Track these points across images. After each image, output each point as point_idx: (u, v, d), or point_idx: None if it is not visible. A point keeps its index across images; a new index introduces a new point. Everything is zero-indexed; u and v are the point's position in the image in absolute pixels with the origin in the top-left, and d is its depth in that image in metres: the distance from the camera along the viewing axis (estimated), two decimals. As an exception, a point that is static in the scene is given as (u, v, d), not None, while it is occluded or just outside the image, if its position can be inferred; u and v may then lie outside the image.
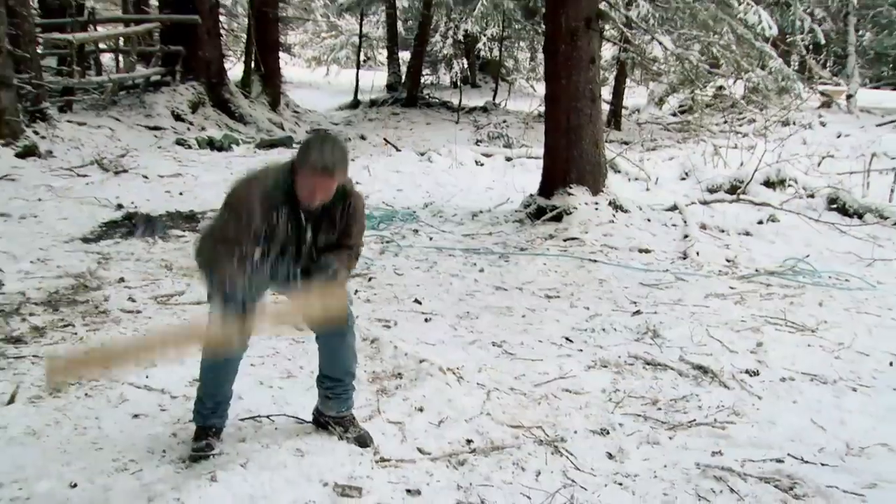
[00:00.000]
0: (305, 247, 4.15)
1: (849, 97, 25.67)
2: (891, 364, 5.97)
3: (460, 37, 28.00)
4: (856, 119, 23.10)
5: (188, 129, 14.35)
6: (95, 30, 16.36)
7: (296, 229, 4.08)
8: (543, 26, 12.32)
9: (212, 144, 13.69)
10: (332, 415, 4.50)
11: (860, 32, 27.56)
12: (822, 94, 24.25)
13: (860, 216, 10.44)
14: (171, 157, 12.58)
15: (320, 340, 4.43)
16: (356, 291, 7.06)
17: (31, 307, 6.33)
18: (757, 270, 8.24)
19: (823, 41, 27.18)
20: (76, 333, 5.83)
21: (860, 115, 24.17)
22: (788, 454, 4.44)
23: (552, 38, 10.04)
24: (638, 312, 6.83)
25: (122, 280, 7.05)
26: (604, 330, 6.40)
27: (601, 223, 9.50)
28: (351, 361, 4.50)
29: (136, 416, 4.65)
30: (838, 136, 18.89)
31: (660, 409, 5.04)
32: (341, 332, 4.34)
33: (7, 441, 4.30)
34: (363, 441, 4.44)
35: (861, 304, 7.35)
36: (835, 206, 10.72)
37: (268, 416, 4.65)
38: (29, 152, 11.28)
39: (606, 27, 13.60)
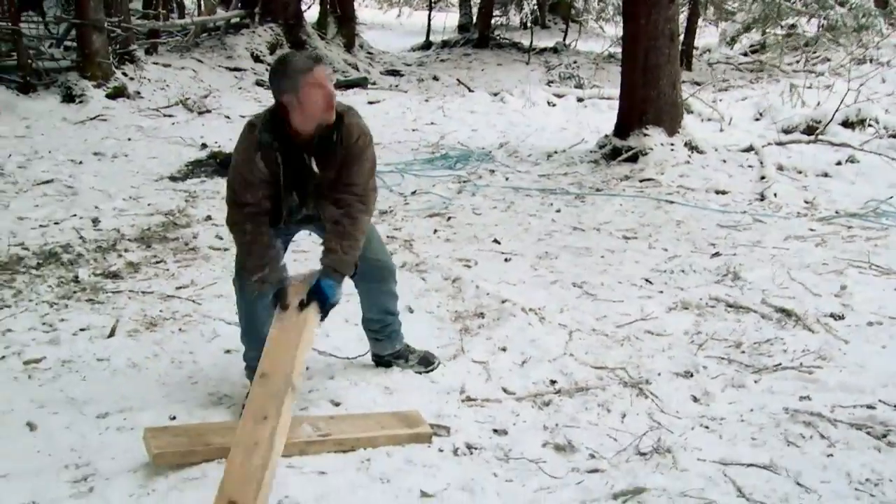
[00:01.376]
0: (311, 185, 3.94)
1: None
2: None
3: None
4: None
5: (267, 69, 14.32)
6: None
7: (304, 172, 3.88)
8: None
9: (290, 83, 13.65)
10: (388, 353, 4.49)
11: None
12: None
13: (946, 155, 10.14)
14: (252, 97, 12.60)
15: (360, 287, 4.30)
16: (435, 231, 6.99)
17: (125, 243, 6.50)
18: (837, 212, 7.98)
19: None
20: (168, 269, 5.91)
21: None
22: (880, 400, 4.25)
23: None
24: (717, 254, 6.66)
25: (209, 218, 7.11)
26: (683, 272, 6.25)
27: (677, 164, 9.32)
28: (391, 303, 4.43)
29: (227, 351, 4.70)
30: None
31: (744, 352, 4.89)
32: (380, 277, 4.25)
33: (111, 372, 4.42)
34: (427, 361, 4.49)
35: (948, 246, 7.11)
36: (918, 145, 10.41)
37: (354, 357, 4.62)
38: (119, 93, 11.37)
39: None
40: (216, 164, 8.86)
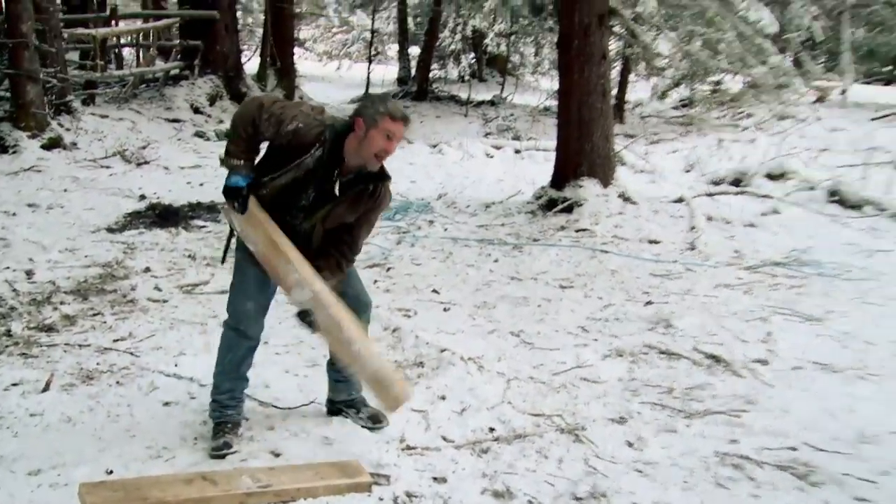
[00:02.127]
0: (323, 211, 3.95)
1: (843, 92, 25.56)
2: (893, 353, 5.91)
3: (468, 32, 27.93)
4: (849, 114, 23.01)
5: (206, 121, 14.27)
6: (117, 25, 16.29)
7: (324, 189, 3.89)
8: (550, 22, 12.27)
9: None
10: (343, 398, 4.48)
11: (853, 30, 27.38)
12: (818, 89, 24.12)
13: (859, 208, 10.39)
14: (191, 148, 12.52)
15: None
16: (375, 282, 7.00)
17: (61, 296, 6.28)
18: (763, 261, 8.17)
19: (818, 38, 27.13)
20: (105, 322, 5.78)
21: (854, 109, 24.09)
22: (803, 442, 4.37)
23: (566, 34, 9.95)
24: (650, 303, 6.77)
25: (147, 270, 6.98)
26: (617, 320, 6.34)
27: (611, 214, 9.44)
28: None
29: (166, 403, 4.61)
30: (833, 131, 18.82)
31: (676, 397, 4.97)
32: (359, 314, 4.19)
33: (44, 428, 4.25)
34: (376, 419, 4.42)
35: (865, 294, 7.26)
36: (835, 198, 10.65)
37: (296, 406, 4.59)
38: (54, 144, 11.16)
39: (615, 23, 13.51)
40: (155, 215, 8.77)
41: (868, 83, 33.38)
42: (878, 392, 5.18)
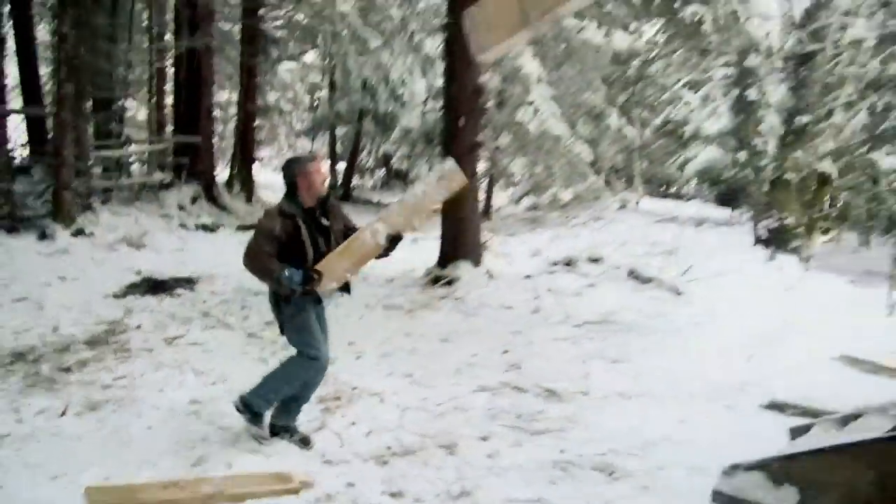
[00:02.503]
0: (332, 236, 4.18)
1: (636, 203, 26.39)
2: (668, 384, 6.00)
3: (380, 154, 28.14)
4: (641, 217, 23.71)
5: (188, 216, 13.97)
6: (129, 148, 16.05)
7: (319, 227, 4.14)
8: (440, 148, 12.37)
9: (205, 227, 13.39)
10: (283, 424, 4.37)
11: (641, 161, 28.47)
12: (620, 200, 24.85)
13: (648, 283, 10.55)
14: (176, 237, 12.15)
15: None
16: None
17: (77, 346, 6.10)
18: (584, 321, 8.23)
19: (620, 166, 28.13)
20: (108, 365, 5.56)
21: (644, 215, 24.84)
22: (609, 449, 4.42)
23: (447, 157, 10.02)
24: (506, 352, 6.74)
25: (139, 326, 6.71)
26: (482, 364, 6.30)
27: (480, 287, 9.41)
28: (283, 385, 4.27)
29: (149, 427, 4.48)
30: (631, 229, 19.26)
31: (522, 420, 4.97)
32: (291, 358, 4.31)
33: (62, 443, 4.19)
34: (306, 441, 4.32)
35: (650, 344, 7.35)
36: (632, 275, 10.76)
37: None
38: (80, 232, 10.80)
39: (482, 151, 13.73)
40: (148, 286, 8.46)
41: (652, 197, 34.56)
42: (658, 411, 5.25)
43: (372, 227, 4.14)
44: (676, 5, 10.35)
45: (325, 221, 4.19)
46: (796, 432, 4.35)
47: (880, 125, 17.20)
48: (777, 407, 5.59)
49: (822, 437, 4.00)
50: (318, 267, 3.99)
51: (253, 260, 4.00)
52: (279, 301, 4.21)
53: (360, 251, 4.15)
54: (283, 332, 4.35)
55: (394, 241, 4.16)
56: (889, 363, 7.27)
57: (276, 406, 4.32)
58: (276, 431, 4.37)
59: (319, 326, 4.31)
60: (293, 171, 4.13)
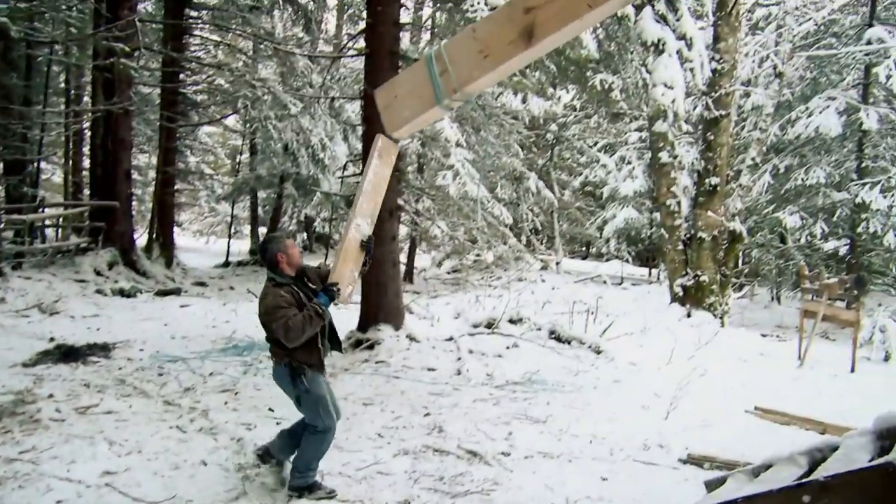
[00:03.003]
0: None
1: (557, 264, 26.91)
2: (590, 442, 6.08)
3: (302, 217, 28.01)
4: (562, 278, 24.16)
5: (105, 281, 13.54)
6: (43, 211, 15.57)
7: (307, 289, 4.53)
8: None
9: (122, 293, 13.01)
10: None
11: (561, 223, 29.14)
12: (541, 261, 25.30)
13: (569, 342, 10.69)
14: (92, 302, 11.76)
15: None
16: (225, 403, 6.66)
17: (-19, 417, 5.70)
18: (507, 381, 8.29)
19: (540, 228, 28.72)
20: (14, 437, 5.26)
21: (565, 275, 25.32)
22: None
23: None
24: (428, 414, 6.71)
25: (51, 396, 6.39)
26: (405, 427, 6.24)
27: (401, 350, 9.37)
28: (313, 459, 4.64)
29: (59, 501, 4.25)
30: (553, 289, 19.63)
31: (445, 483, 4.92)
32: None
33: None
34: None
35: (572, 402, 7.48)
36: (553, 335, 10.90)
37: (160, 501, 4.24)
38: (-14, 299, 10.39)
39: (402, 215, 13.84)
40: (60, 353, 8.11)
41: (573, 258, 35.32)
42: (580, 470, 5.31)
43: (353, 224, 4.35)
44: (588, 73, 10.82)
45: (310, 284, 4.59)
46: (711, 485, 4.45)
47: (784, 186, 18.20)
48: (694, 461, 5.72)
49: (735, 488, 4.11)
50: (332, 279, 4.35)
51: (299, 329, 4.27)
52: (294, 378, 4.48)
53: (354, 251, 4.41)
54: (299, 406, 4.61)
55: (369, 240, 4.43)
56: (800, 414, 7.56)
57: (279, 443, 4.81)
58: (265, 459, 4.84)
59: (330, 390, 4.72)
60: (273, 250, 4.50)
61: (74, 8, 15.75)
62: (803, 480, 3.40)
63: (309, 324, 4.27)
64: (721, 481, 4.39)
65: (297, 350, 4.39)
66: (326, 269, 4.67)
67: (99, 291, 12.85)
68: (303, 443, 4.61)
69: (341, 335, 9.96)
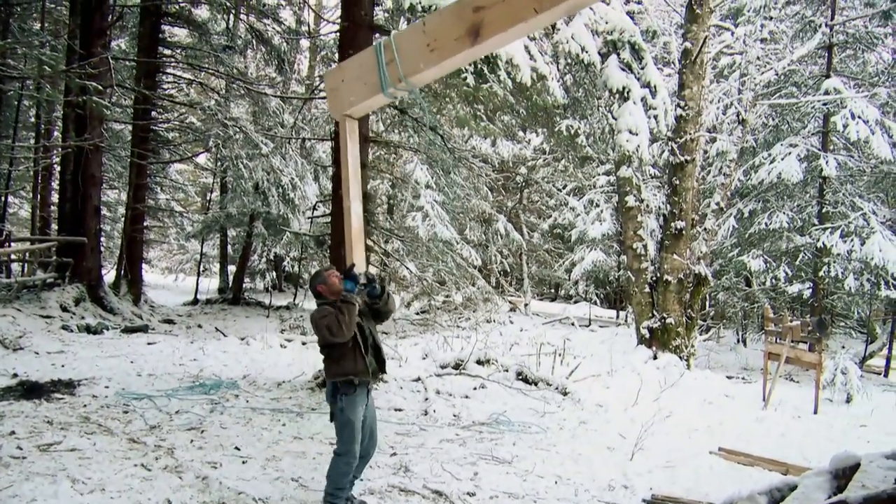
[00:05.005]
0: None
1: (525, 305, 27.05)
2: (555, 482, 6.11)
3: (272, 256, 27.90)
4: (530, 320, 24.28)
5: (71, 318, 13.34)
6: (10, 246, 15.37)
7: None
8: (329, 253, 12.40)
9: (89, 329, 12.85)
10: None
11: (530, 265, 29.36)
12: (510, 302, 25.42)
13: (536, 384, 10.74)
14: (58, 338, 11.59)
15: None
16: (191, 441, 6.59)
17: (-66, 457, 5.56)
18: (474, 422, 8.30)
19: (509, 270, 28.89)
20: (-31, 478, 5.14)
21: (533, 317, 25.44)
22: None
23: (335, 260, 10.08)
24: (394, 454, 6.70)
25: (12, 433, 6.27)
26: (370, 467, 6.20)
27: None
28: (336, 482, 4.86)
29: None
30: (521, 330, 19.73)
31: (409, 523, 4.91)
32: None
33: None
34: None
35: (538, 443, 7.51)
36: (521, 377, 10.94)
37: None
38: (-56, 335, 10.15)
39: (372, 256, 13.88)
40: (23, 390, 7.97)
41: (541, 300, 35.51)
42: (547, 512, 5.33)
43: (352, 209, 4.74)
44: (556, 118, 11.07)
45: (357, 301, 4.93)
46: (674, 524, 4.53)
47: (748, 230, 18.58)
48: (658, 501, 5.77)
49: (696, 526, 4.19)
50: (349, 263, 4.89)
51: (335, 321, 4.63)
52: (335, 394, 4.82)
53: (359, 234, 4.77)
54: (332, 419, 4.90)
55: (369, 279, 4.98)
56: (763, 455, 7.67)
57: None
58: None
59: (366, 416, 4.99)
60: (315, 284, 4.94)
61: (47, 44, 15.80)
62: (761, 518, 3.49)
63: (342, 312, 4.63)
64: (683, 520, 4.47)
65: (343, 360, 4.77)
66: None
67: (65, 327, 12.68)
68: (330, 464, 4.90)
69: (309, 373, 10.01)
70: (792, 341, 12.09)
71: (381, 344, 5.07)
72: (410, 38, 4.15)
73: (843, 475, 3.72)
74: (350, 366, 4.77)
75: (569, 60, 10.18)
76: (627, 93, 12.64)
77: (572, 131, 11.04)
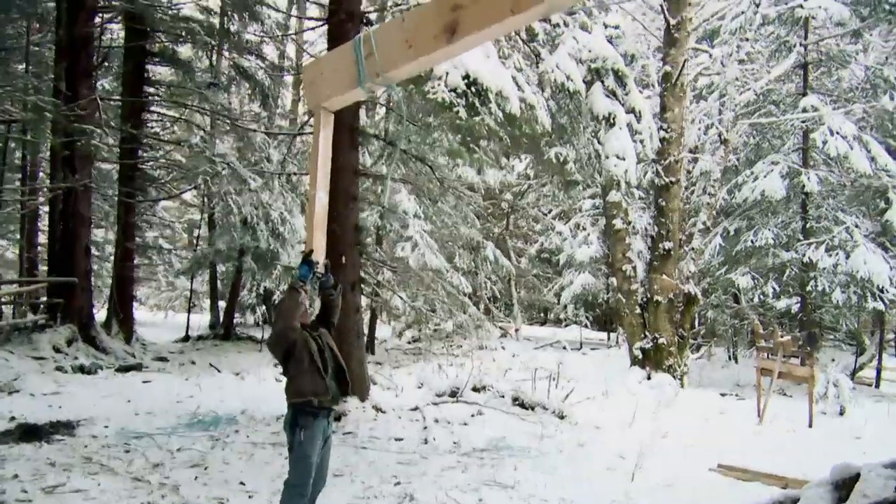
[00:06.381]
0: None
1: (517, 330, 27.13)
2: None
3: (262, 290, 27.80)
4: (522, 344, 24.33)
5: (64, 358, 13.30)
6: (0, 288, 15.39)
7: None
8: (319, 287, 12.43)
9: (82, 370, 12.78)
10: None
11: (519, 290, 29.49)
12: (501, 328, 25.49)
13: (532, 408, 10.82)
14: (52, 380, 11.53)
15: None
16: (196, 478, 6.62)
17: (-60, 504, 5.57)
18: (473, 448, 8.37)
19: (498, 295, 29.01)
20: (-24, 523, 5.17)
21: (524, 342, 25.51)
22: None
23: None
24: (398, 483, 6.76)
25: (16, 476, 6.29)
26: (375, 497, 6.29)
27: (368, 420, 9.41)
28: None
29: None
30: (513, 356, 19.77)
31: (418, 549, 4.98)
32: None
33: None
34: None
35: (539, 466, 7.61)
36: (517, 402, 11.01)
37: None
38: (-63, 381, 10.09)
39: (364, 287, 13.96)
40: (22, 432, 7.95)
41: (531, 324, 35.59)
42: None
43: (316, 198, 4.73)
44: (543, 146, 11.28)
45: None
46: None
47: (735, 247, 18.81)
48: (661, 519, 5.86)
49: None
50: (307, 250, 4.74)
51: (280, 309, 4.73)
52: (294, 426, 4.63)
53: (322, 222, 4.78)
54: (290, 452, 4.71)
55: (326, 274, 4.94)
56: (762, 470, 7.77)
57: None
58: None
59: (322, 452, 4.78)
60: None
61: (32, 87, 15.90)
62: (767, 531, 3.59)
63: (287, 297, 4.65)
64: (689, 537, 4.55)
65: (300, 378, 4.60)
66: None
67: (59, 368, 12.63)
68: (282, 494, 4.72)
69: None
70: (783, 356, 12.25)
71: (343, 365, 4.90)
72: (389, 33, 4.25)
73: (843, 486, 3.83)
74: (307, 386, 4.59)
75: (554, 89, 10.40)
76: (613, 119, 12.89)
77: (561, 158, 11.23)
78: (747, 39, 16.57)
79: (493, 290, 27.73)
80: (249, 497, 6.10)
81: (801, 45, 18.03)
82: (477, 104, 7.86)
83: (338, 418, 9.34)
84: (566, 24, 11.46)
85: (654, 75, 17.15)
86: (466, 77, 7.87)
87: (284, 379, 4.77)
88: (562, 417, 10.40)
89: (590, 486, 6.84)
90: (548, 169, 12.60)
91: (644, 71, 17.95)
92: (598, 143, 13.38)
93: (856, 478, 3.78)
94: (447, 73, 7.91)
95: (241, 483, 6.52)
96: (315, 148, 4.78)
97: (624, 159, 13.14)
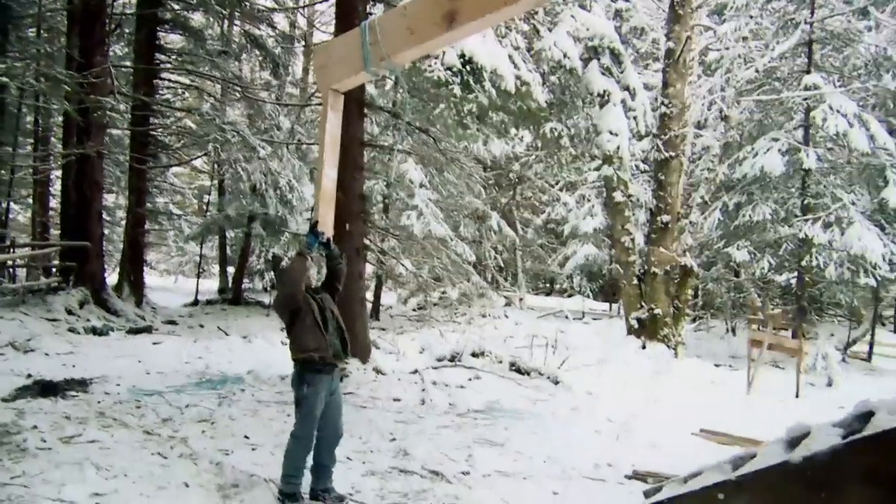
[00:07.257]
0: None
1: (521, 300, 27.45)
2: (545, 462, 6.52)
3: (270, 256, 28.13)
4: (525, 313, 24.67)
5: (77, 320, 13.68)
6: (14, 251, 15.72)
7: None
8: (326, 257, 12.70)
9: (95, 331, 13.19)
10: (319, 488, 5.19)
11: (525, 260, 29.74)
12: (505, 297, 25.81)
13: (529, 374, 11.13)
14: (66, 340, 11.91)
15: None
16: (203, 432, 6.97)
17: (-30, 450, 5.95)
18: (468, 409, 8.70)
19: (504, 265, 29.30)
20: (4, 465, 5.52)
21: (528, 311, 25.84)
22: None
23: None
24: (394, 439, 7.09)
25: (35, 427, 6.64)
26: (372, 451, 6.62)
27: (369, 382, 9.74)
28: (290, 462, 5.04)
29: None
30: (516, 325, 20.11)
31: (409, 499, 5.33)
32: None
33: None
34: (341, 499, 5.16)
35: (531, 428, 7.91)
36: (514, 367, 11.33)
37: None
38: (-39, 338, 10.50)
39: (368, 253, 14.25)
40: (39, 388, 8.33)
41: (536, 294, 35.91)
42: (535, 487, 5.77)
43: (325, 174, 5.00)
44: (541, 120, 11.50)
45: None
46: (649, 493, 4.96)
47: (734, 222, 19.01)
48: (639, 476, 6.21)
49: (669, 493, 4.61)
50: (313, 221, 5.06)
51: (283, 274, 5.10)
52: (300, 380, 4.99)
53: (329, 197, 5.06)
54: (297, 406, 5.06)
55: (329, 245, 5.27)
56: (743, 435, 8.10)
57: (312, 475, 5.13)
58: (315, 496, 5.10)
59: (331, 407, 5.16)
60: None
61: (44, 53, 16.14)
62: (718, 481, 3.92)
63: (294, 262, 4.96)
64: (657, 489, 4.89)
65: (303, 336, 4.95)
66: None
67: (72, 330, 13.00)
68: (287, 445, 5.07)
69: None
70: (774, 328, 12.54)
71: (343, 326, 5.24)
72: (392, 20, 4.56)
73: (795, 443, 4.14)
74: (310, 342, 4.93)
75: (552, 66, 10.59)
76: (608, 96, 13.09)
77: (556, 133, 11.45)
78: (752, 17, 16.62)
79: (497, 260, 28.01)
80: (253, 450, 6.45)
81: (806, 22, 18.04)
82: (471, 82, 8.11)
83: (340, 379, 9.64)
84: (565, 2, 11.62)
85: (664, 49, 17.24)
86: (462, 56, 8.12)
87: (289, 341, 5.09)
88: (557, 383, 10.72)
89: (576, 447, 7.17)
90: (545, 144, 12.83)
91: (655, 44, 18.03)
92: (593, 119, 13.58)
93: (808, 435, 4.08)
94: (444, 52, 8.15)
95: (246, 437, 6.87)
96: (323, 128, 5.05)
97: (617, 135, 13.35)
